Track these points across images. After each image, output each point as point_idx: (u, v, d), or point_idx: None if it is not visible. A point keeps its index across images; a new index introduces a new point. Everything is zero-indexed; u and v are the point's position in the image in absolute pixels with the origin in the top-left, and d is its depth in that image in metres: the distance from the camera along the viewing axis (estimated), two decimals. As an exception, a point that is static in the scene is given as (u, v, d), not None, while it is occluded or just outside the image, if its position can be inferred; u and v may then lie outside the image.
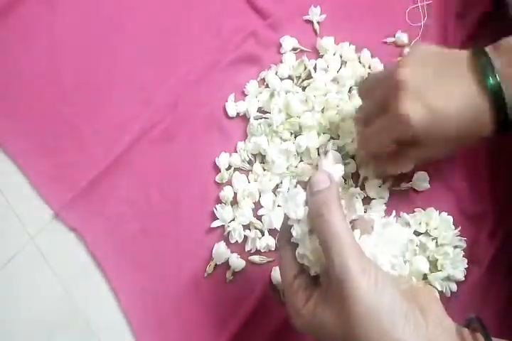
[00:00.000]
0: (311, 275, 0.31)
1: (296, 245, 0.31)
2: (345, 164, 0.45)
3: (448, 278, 0.42)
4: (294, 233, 0.31)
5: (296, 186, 0.32)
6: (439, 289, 0.41)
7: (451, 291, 0.42)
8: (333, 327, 0.28)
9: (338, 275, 0.27)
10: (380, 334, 0.26)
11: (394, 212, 0.35)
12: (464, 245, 0.43)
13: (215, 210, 0.45)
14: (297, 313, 0.30)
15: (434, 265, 0.42)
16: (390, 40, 0.50)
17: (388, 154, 0.40)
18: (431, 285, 0.41)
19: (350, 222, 0.33)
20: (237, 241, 0.45)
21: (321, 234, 0.29)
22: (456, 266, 0.42)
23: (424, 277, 0.42)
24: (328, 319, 0.28)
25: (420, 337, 0.26)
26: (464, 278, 0.42)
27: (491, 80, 0.33)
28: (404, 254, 0.33)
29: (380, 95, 0.38)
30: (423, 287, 0.32)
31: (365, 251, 0.29)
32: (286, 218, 0.32)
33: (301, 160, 0.46)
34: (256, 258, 0.44)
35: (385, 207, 0.44)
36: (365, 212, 0.44)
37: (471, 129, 0.35)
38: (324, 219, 0.29)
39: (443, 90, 0.35)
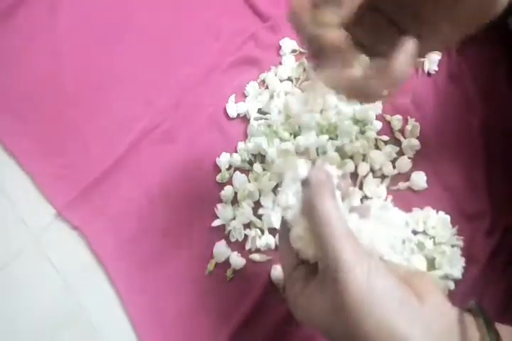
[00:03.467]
0: (311, 262, 0.31)
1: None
2: (343, 164, 0.45)
3: (445, 277, 0.42)
4: (289, 217, 0.31)
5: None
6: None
7: (448, 290, 0.42)
8: (328, 316, 0.28)
9: (332, 267, 0.27)
10: (374, 324, 0.26)
11: (390, 197, 0.34)
12: (462, 244, 0.43)
13: (215, 209, 0.46)
14: (294, 303, 0.30)
15: (431, 263, 0.42)
16: (388, 42, 0.51)
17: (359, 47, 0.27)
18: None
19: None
20: (237, 240, 0.45)
21: (314, 226, 0.29)
22: (453, 264, 0.42)
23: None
24: (324, 308, 0.28)
25: (415, 320, 0.26)
26: (461, 277, 0.42)
27: None
28: (403, 236, 0.32)
29: None
30: (422, 274, 0.31)
31: (363, 236, 0.29)
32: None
33: (301, 160, 0.46)
34: (256, 256, 0.45)
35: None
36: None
37: None
38: (316, 209, 0.29)
39: None
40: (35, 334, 0.44)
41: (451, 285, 0.42)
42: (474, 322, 0.27)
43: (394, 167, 0.46)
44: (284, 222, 0.32)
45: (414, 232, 0.43)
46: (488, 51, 0.50)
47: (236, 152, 0.48)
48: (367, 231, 0.30)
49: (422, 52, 0.27)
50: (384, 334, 0.26)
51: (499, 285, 0.44)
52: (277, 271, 0.44)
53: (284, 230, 0.32)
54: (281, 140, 0.47)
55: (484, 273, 0.44)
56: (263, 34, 0.51)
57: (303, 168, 0.31)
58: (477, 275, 0.44)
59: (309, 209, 0.30)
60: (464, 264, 0.42)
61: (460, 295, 0.43)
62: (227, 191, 0.46)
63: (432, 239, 0.43)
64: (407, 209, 0.45)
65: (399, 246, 0.31)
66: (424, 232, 0.43)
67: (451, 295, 0.42)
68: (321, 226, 0.28)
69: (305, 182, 0.31)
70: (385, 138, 0.47)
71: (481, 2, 0.25)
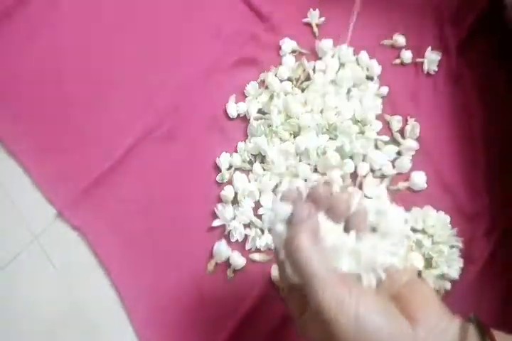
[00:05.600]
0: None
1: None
2: (343, 164, 0.46)
3: (442, 276, 0.42)
4: (280, 255, 0.30)
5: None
6: (432, 287, 0.42)
7: (444, 290, 0.42)
8: None
9: (317, 314, 0.27)
10: None
11: (386, 194, 0.33)
12: (461, 245, 0.43)
13: (216, 209, 0.46)
14: (296, 322, 0.31)
15: (428, 262, 0.43)
16: (388, 42, 0.51)
17: None
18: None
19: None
20: (237, 240, 0.45)
21: (294, 265, 0.29)
22: (450, 264, 0.42)
23: (418, 274, 0.42)
24: (318, 338, 0.28)
25: None
26: (458, 278, 0.42)
27: None
28: (404, 238, 0.31)
29: None
30: (420, 283, 0.30)
31: (363, 256, 0.29)
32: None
33: (300, 160, 0.47)
34: (256, 256, 0.45)
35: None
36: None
37: None
38: (293, 251, 0.28)
39: None
40: (36, 334, 0.44)
41: (448, 286, 0.42)
42: (476, 336, 0.27)
43: (394, 167, 0.46)
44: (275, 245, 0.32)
45: (413, 230, 0.44)
46: (487, 51, 0.50)
47: (236, 152, 0.48)
48: (366, 249, 0.29)
49: None
50: None
51: (498, 286, 0.44)
52: (277, 271, 0.44)
53: (276, 253, 0.32)
54: (281, 140, 0.47)
55: (483, 274, 0.44)
56: (263, 34, 0.51)
57: (284, 206, 0.30)
58: (475, 275, 0.44)
59: (287, 248, 0.29)
60: (462, 265, 0.42)
61: (458, 295, 0.43)
62: (227, 191, 0.46)
63: (431, 238, 0.43)
64: (407, 209, 0.44)
65: (401, 253, 0.30)
66: (423, 230, 0.44)
67: (448, 296, 0.42)
68: (301, 268, 0.28)
69: (288, 221, 0.30)
70: (385, 138, 0.47)
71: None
